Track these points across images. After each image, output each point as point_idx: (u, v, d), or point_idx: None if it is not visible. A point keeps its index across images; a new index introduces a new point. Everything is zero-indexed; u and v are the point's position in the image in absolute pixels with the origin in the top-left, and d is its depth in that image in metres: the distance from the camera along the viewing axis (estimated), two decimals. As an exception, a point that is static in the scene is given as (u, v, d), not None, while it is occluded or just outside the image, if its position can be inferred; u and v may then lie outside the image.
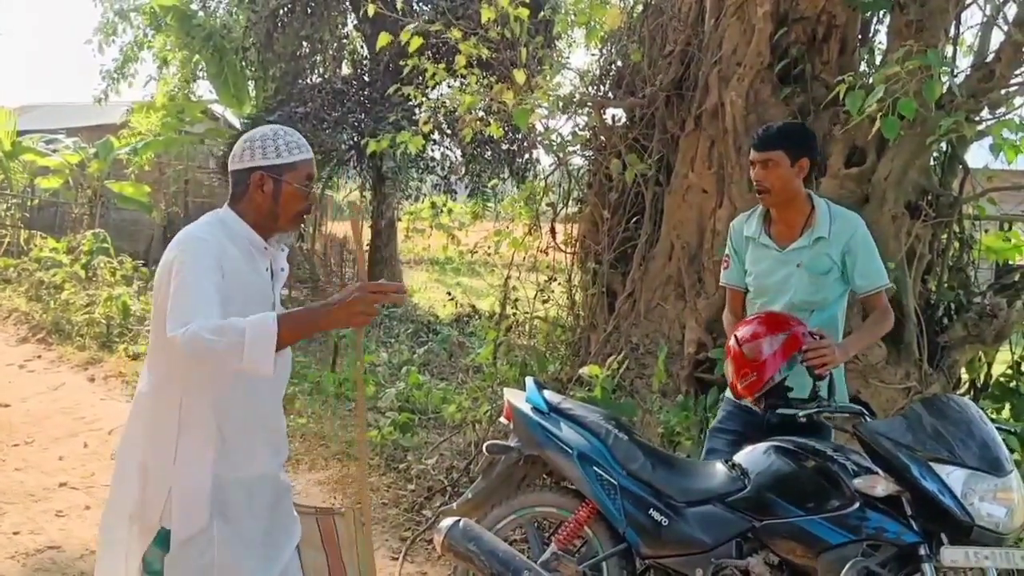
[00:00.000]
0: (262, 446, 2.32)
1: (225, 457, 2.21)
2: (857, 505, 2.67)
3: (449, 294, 11.29)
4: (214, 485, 2.19)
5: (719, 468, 3.05)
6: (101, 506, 4.67)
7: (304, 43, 13.24)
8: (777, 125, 3.12)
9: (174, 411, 2.19)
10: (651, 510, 2.98)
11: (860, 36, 5.03)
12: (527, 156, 12.87)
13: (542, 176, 5.80)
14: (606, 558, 3.10)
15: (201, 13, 15.03)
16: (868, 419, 2.84)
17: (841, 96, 3.89)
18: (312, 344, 9.53)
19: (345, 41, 14.28)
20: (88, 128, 18.37)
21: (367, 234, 14.75)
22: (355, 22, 13.84)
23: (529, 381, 3.50)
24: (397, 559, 4.18)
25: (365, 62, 13.82)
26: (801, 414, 2.84)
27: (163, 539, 2.17)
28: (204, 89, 16.95)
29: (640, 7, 5.53)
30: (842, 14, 4.72)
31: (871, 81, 3.96)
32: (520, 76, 5.06)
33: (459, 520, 3.18)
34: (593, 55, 6.10)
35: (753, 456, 2.97)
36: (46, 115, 21.84)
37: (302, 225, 2.40)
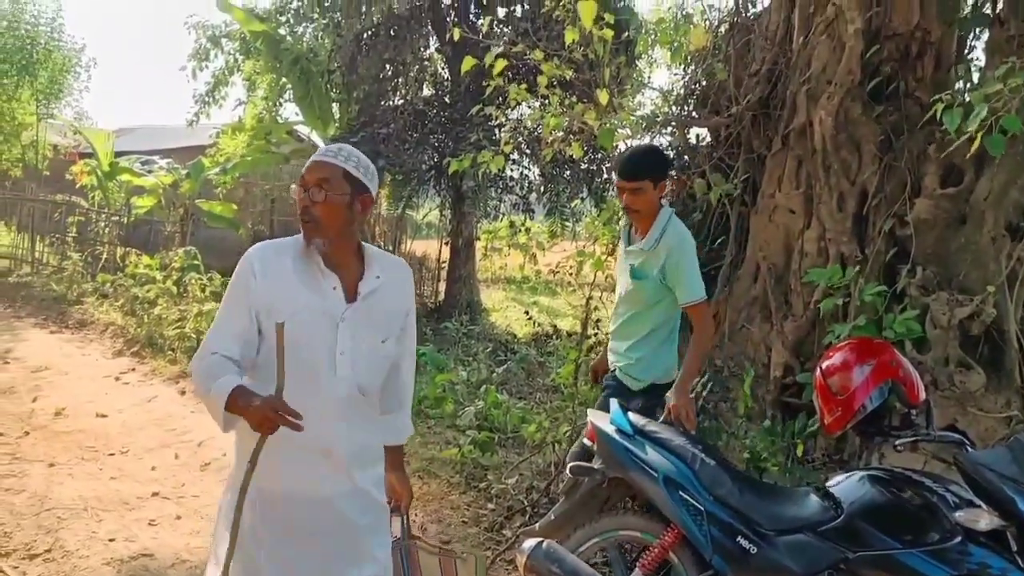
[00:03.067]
0: (301, 466, 2.25)
1: (267, 468, 2.15)
2: (958, 539, 2.56)
3: (527, 313, 11.30)
4: (257, 496, 2.20)
5: (811, 496, 2.96)
6: (191, 516, 4.85)
7: (387, 66, 13.49)
8: (639, 154, 3.60)
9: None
10: (739, 537, 2.91)
11: (955, 52, 4.88)
12: (606, 176, 12.84)
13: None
14: (691, 585, 3.04)
15: (289, 38, 15.49)
16: (968, 449, 2.73)
17: (938, 115, 3.79)
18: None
19: (427, 63, 14.50)
20: (180, 149, 19.11)
21: (445, 253, 14.91)
22: (436, 45, 14.06)
23: (613, 403, 3.47)
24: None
25: (446, 84, 14.00)
26: (898, 444, 2.74)
27: None
28: (290, 111, 17.47)
29: (726, 26, 5.48)
30: (937, 30, 4.61)
31: (967, 99, 3.85)
32: (604, 96, 5.06)
33: (542, 541, 3.16)
34: (676, 75, 6.07)
35: (847, 485, 2.88)
36: (142, 137, 22.80)
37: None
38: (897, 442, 2.75)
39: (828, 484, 2.94)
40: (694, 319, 3.49)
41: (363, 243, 2.38)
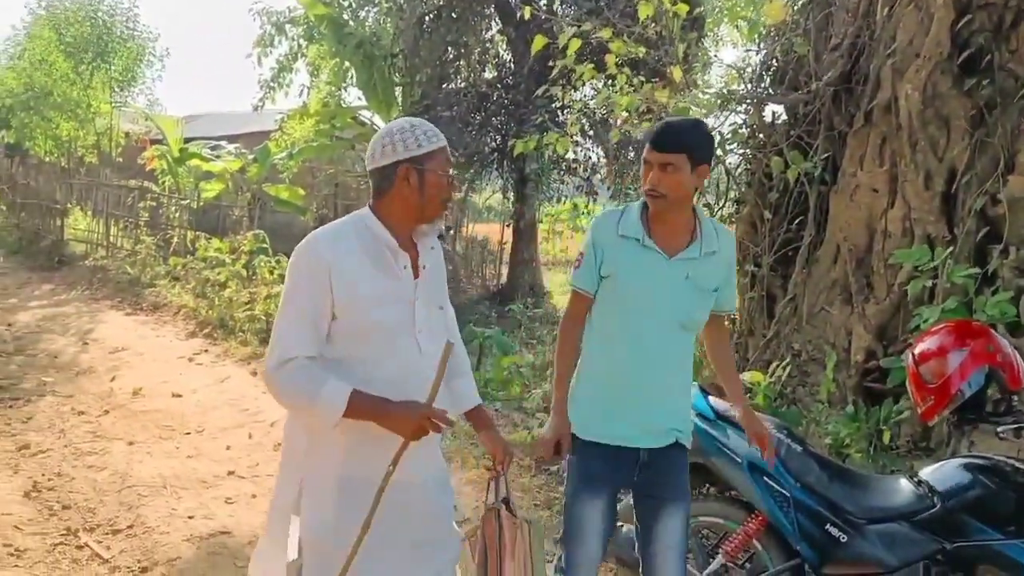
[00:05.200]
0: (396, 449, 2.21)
1: (355, 454, 2.18)
2: (1068, 531, 2.44)
3: (591, 296, 11.22)
4: (342, 483, 2.17)
5: (903, 484, 2.86)
6: (266, 495, 4.91)
7: (449, 48, 13.48)
8: (680, 124, 2.63)
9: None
10: (828, 525, 2.82)
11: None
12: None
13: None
14: (777, 573, 2.97)
15: (352, 22, 15.57)
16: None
17: (1039, 86, 3.60)
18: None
19: (488, 45, 14.45)
20: (246, 135, 19.44)
21: (507, 236, 14.90)
22: (499, 27, 13.99)
23: (694, 387, 3.39)
24: (551, 562, 4.15)
25: (509, 65, 13.94)
26: (1000, 430, 2.62)
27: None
28: (354, 96, 17.58)
29: (804, -1, 5.31)
30: (1033, -2, 4.37)
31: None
32: (677, 73, 4.95)
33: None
34: (750, 51, 5.91)
35: (943, 473, 2.77)
36: (209, 123, 23.26)
37: (444, 221, 2.35)
38: (999, 428, 2.63)
39: (922, 472, 2.83)
40: (721, 325, 2.94)
41: None
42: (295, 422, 2.28)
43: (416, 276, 2.28)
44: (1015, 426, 2.61)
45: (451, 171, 2.29)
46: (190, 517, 4.62)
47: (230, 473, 5.31)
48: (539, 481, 5.12)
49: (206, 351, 8.66)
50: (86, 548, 4.18)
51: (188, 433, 6.08)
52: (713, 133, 5.28)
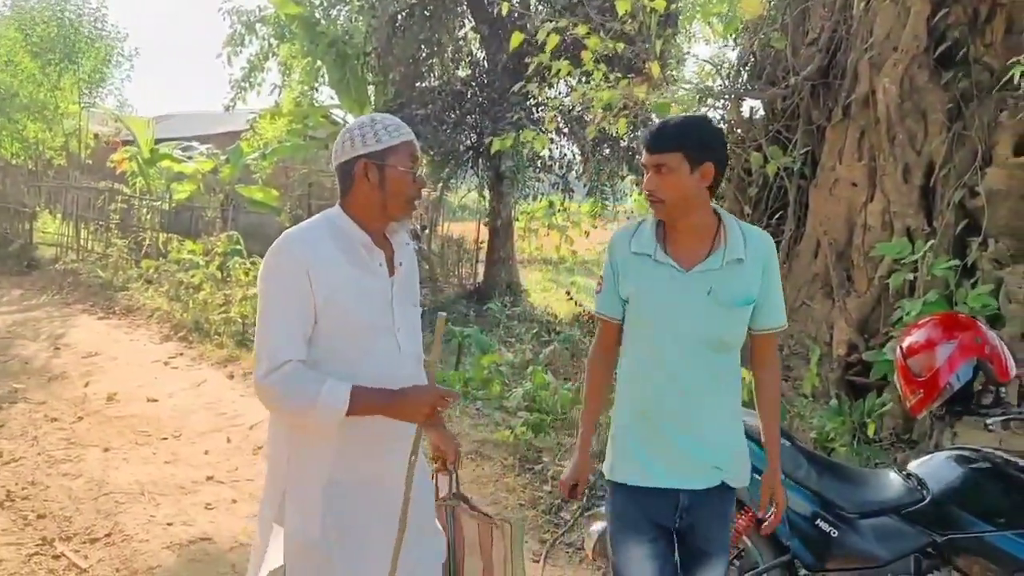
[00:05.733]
0: (391, 444, 2.19)
1: (343, 456, 2.13)
2: (1058, 522, 2.45)
3: (568, 293, 11.20)
4: (329, 489, 2.11)
5: (892, 477, 2.85)
6: (247, 500, 4.84)
7: (422, 46, 13.39)
8: (675, 121, 2.37)
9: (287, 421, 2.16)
10: (819, 520, 2.82)
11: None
12: (647, 153, 12.63)
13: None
14: (768, 569, 2.95)
15: (324, 21, 15.43)
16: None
17: (1016, 78, 3.62)
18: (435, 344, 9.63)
19: (462, 43, 14.38)
20: (218, 135, 19.21)
21: (483, 234, 14.85)
22: (472, 24, 13.93)
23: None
24: (537, 561, 4.12)
25: (482, 63, 13.89)
26: (989, 422, 2.63)
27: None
28: (326, 95, 17.42)
29: (781, -6, 5.31)
30: (1008, -9, 4.40)
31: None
32: (655, 69, 4.93)
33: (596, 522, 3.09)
34: (727, 46, 5.91)
35: (932, 466, 2.77)
36: (180, 124, 22.97)
37: (415, 217, 2.29)
38: (988, 421, 2.63)
39: (911, 465, 2.83)
40: (770, 350, 2.47)
41: None
42: (278, 430, 2.21)
43: (392, 274, 2.24)
44: (1003, 418, 2.61)
45: (418, 168, 2.22)
46: (169, 524, 4.54)
47: (209, 478, 5.23)
48: (523, 480, 5.09)
49: (181, 354, 8.53)
50: (63, 558, 4.09)
51: (165, 438, 5.97)
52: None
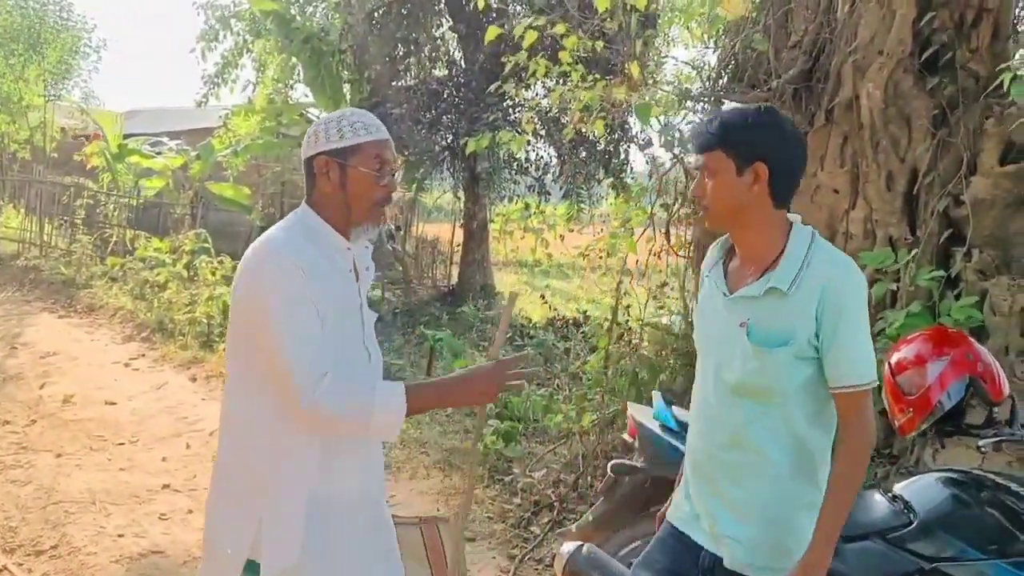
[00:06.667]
0: (367, 461, 2.10)
1: (327, 479, 1.99)
2: (1052, 550, 2.32)
3: (543, 297, 11.05)
4: (310, 513, 1.96)
5: (877, 499, 2.71)
6: (203, 510, 4.64)
7: (399, 45, 13.21)
8: (719, 113, 2.06)
9: (265, 435, 1.97)
10: (800, 544, 2.67)
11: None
12: (623, 156, 12.54)
13: (656, 175, 5.49)
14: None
15: (299, 17, 15.20)
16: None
17: (1005, 85, 3.51)
18: (407, 346, 9.46)
19: (440, 42, 14.21)
20: (190, 132, 18.86)
21: (458, 236, 14.68)
22: (450, 23, 13.76)
23: (656, 396, 3.24)
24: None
25: (460, 63, 13.72)
26: (981, 444, 2.49)
27: (254, 570, 1.95)
28: (301, 92, 17.18)
29: (763, -5, 5.18)
30: (995, -4, 4.30)
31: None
32: (635, 69, 4.79)
33: (582, 545, 2.93)
34: (708, 48, 5.78)
35: (919, 488, 2.63)
36: (151, 119, 22.56)
37: (384, 220, 2.09)
38: (980, 442, 2.50)
39: (896, 486, 2.69)
40: (856, 413, 1.94)
41: None
42: (249, 447, 1.99)
43: (357, 279, 2.11)
44: (996, 439, 2.48)
45: (388, 171, 2.03)
46: (120, 535, 4.34)
47: (165, 486, 5.03)
48: (492, 492, 4.93)
49: (143, 356, 8.29)
50: (5, 571, 3.88)
51: (121, 443, 5.76)
52: (675, 132, 5.20)
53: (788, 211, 2.06)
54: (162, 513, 4.65)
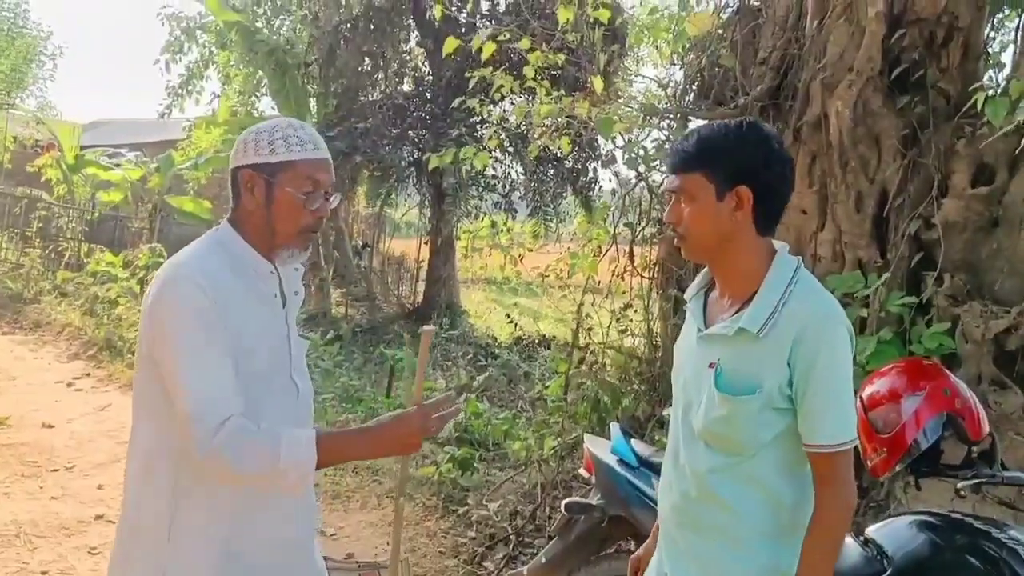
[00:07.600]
0: (296, 500, 1.86)
1: (244, 524, 1.77)
2: (1033, 601, 2.14)
3: (508, 316, 10.84)
4: (221, 565, 1.74)
5: (848, 543, 2.52)
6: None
7: (366, 59, 13.03)
8: (700, 131, 1.80)
9: (170, 468, 1.73)
10: (766, 591, 2.47)
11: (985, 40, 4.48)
12: (591, 175, 12.42)
13: (620, 193, 5.33)
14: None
15: (265, 30, 14.97)
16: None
17: (979, 105, 3.38)
18: (367, 365, 9.20)
19: (407, 57, 14.04)
20: (152, 144, 18.50)
21: (424, 252, 14.44)
22: (417, 38, 13.61)
23: (614, 428, 3.04)
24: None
25: (427, 78, 13.56)
26: (960, 486, 2.31)
27: None
28: (266, 105, 16.93)
29: (730, 10, 5.05)
30: (966, 15, 4.18)
31: (1008, 89, 3.44)
32: (599, 83, 4.62)
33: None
34: (673, 65, 5.64)
35: (892, 531, 2.44)
36: (113, 130, 22.14)
37: (308, 248, 1.87)
38: (959, 484, 2.31)
39: (868, 530, 2.51)
40: (830, 475, 1.71)
41: None
42: (151, 484, 1.74)
43: (284, 305, 1.89)
44: (975, 481, 2.30)
45: (320, 194, 1.81)
46: (43, 573, 4.03)
47: (98, 517, 4.73)
48: (446, 524, 4.68)
49: (88, 375, 7.95)
50: (-90, 615, 3.58)
51: (56, 470, 5.44)
52: (639, 149, 5.03)
53: (773, 237, 1.85)
54: (92, 547, 4.35)
